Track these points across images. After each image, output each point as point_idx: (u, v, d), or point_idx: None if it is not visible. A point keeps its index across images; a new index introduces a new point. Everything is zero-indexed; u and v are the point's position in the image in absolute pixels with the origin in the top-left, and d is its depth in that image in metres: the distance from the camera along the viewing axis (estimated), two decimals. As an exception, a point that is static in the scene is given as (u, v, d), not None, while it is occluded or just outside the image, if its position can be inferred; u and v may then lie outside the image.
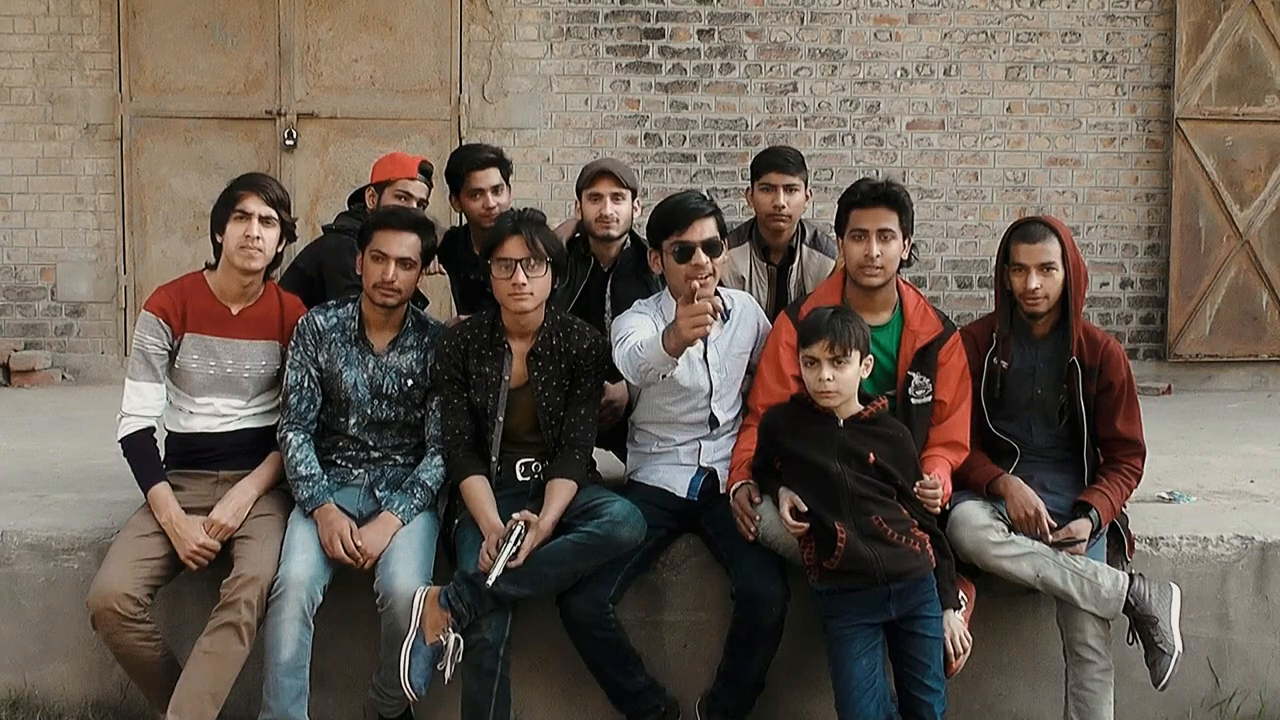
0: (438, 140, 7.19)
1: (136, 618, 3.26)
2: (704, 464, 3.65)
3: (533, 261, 3.43)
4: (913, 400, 3.50)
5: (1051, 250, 3.50)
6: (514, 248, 3.44)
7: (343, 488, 3.55)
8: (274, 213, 3.52)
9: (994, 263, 3.67)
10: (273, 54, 7.25)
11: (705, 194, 3.70)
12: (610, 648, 3.45)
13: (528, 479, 3.59)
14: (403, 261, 3.51)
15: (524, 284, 3.43)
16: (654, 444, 3.72)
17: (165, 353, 3.53)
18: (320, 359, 3.56)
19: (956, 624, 3.34)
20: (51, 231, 7.30)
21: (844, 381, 3.24)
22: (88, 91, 7.25)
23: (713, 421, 3.64)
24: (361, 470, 3.59)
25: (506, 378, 3.53)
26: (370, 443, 3.60)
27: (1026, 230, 3.56)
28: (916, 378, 3.51)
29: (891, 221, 3.50)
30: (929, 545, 3.28)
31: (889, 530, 3.21)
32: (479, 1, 7.32)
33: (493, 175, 4.29)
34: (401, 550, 3.37)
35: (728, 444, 3.67)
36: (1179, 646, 3.35)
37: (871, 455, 3.25)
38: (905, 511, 3.27)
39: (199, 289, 3.59)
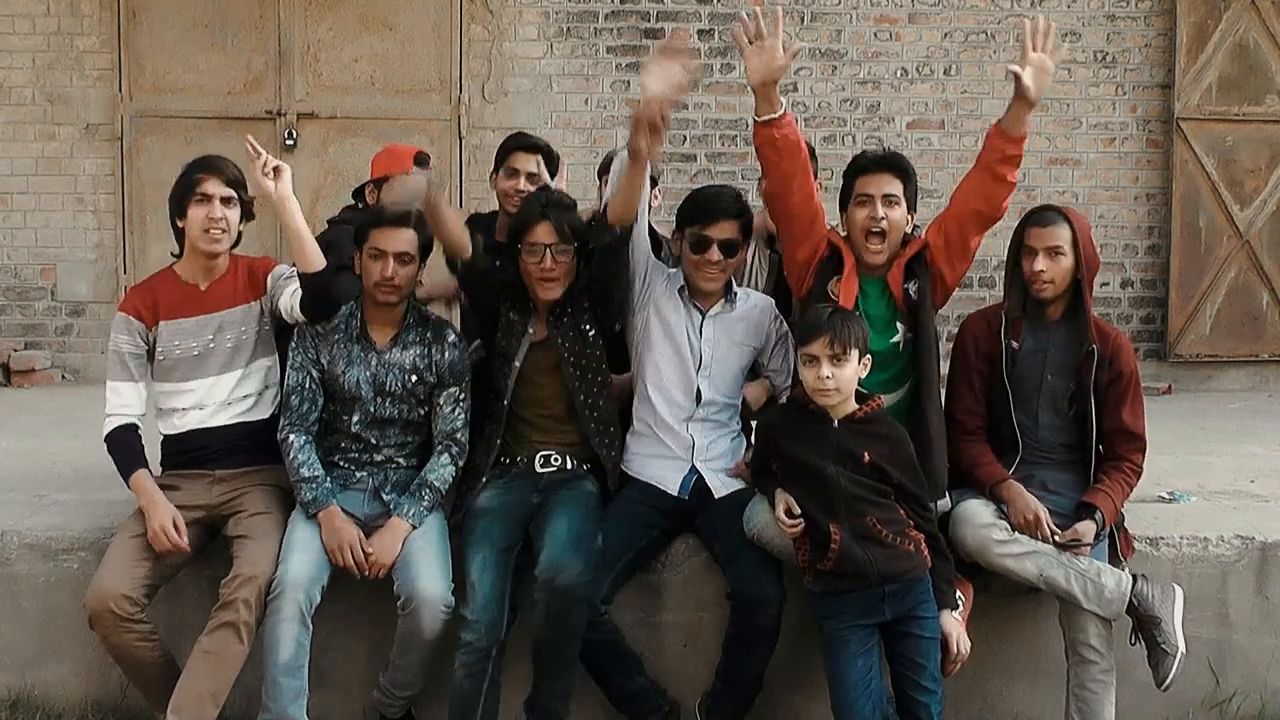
0: (437, 140, 7.19)
1: (134, 618, 3.26)
2: (696, 463, 3.64)
3: (561, 246, 3.50)
4: (911, 296, 3.53)
5: (1061, 235, 3.51)
6: (543, 233, 3.51)
7: (345, 490, 3.53)
8: (234, 193, 3.52)
9: (1008, 250, 3.68)
10: (273, 54, 7.25)
11: (741, 195, 3.72)
12: (607, 649, 3.44)
13: (546, 470, 3.60)
14: (401, 257, 3.50)
15: (552, 268, 3.50)
16: (647, 428, 3.69)
17: (141, 351, 3.55)
18: (322, 360, 3.55)
19: (952, 624, 3.34)
20: (51, 231, 7.30)
21: (843, 380, 3.23)
22: (88, 91, 7.24)
23: (698, 397, 3.63)
24: (364, 473, 3.58)
25: (531, 330, 3.59)
26: (373, 441, 3.58)
27: (1040, 215, 3.59)
28: (912, 286, 3.55)
29: (895, 188, 3.53)
30: (923, 546, 3.28)
31: (883, 531, 3.21)
32: (479, 1, 7.32)
33: (532, 162, 4.27)
34: (421, 552, 3.37)
35: (718, 442, 3.68)
36: (1182, 647, 3.35)
37: (866, 455, 3.24)
38: (901, 512, 3.27)
39: (168, 280, 3.61)
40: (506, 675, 3.35)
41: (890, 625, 3.25)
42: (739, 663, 3.47)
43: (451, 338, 3.62)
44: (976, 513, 3.44)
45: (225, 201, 3.50)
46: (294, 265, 3.51)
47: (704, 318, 3.67)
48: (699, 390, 3.64)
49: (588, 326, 3.62)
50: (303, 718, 3.26)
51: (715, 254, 3.58)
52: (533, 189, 4.25)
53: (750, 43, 3.41)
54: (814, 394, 3.27)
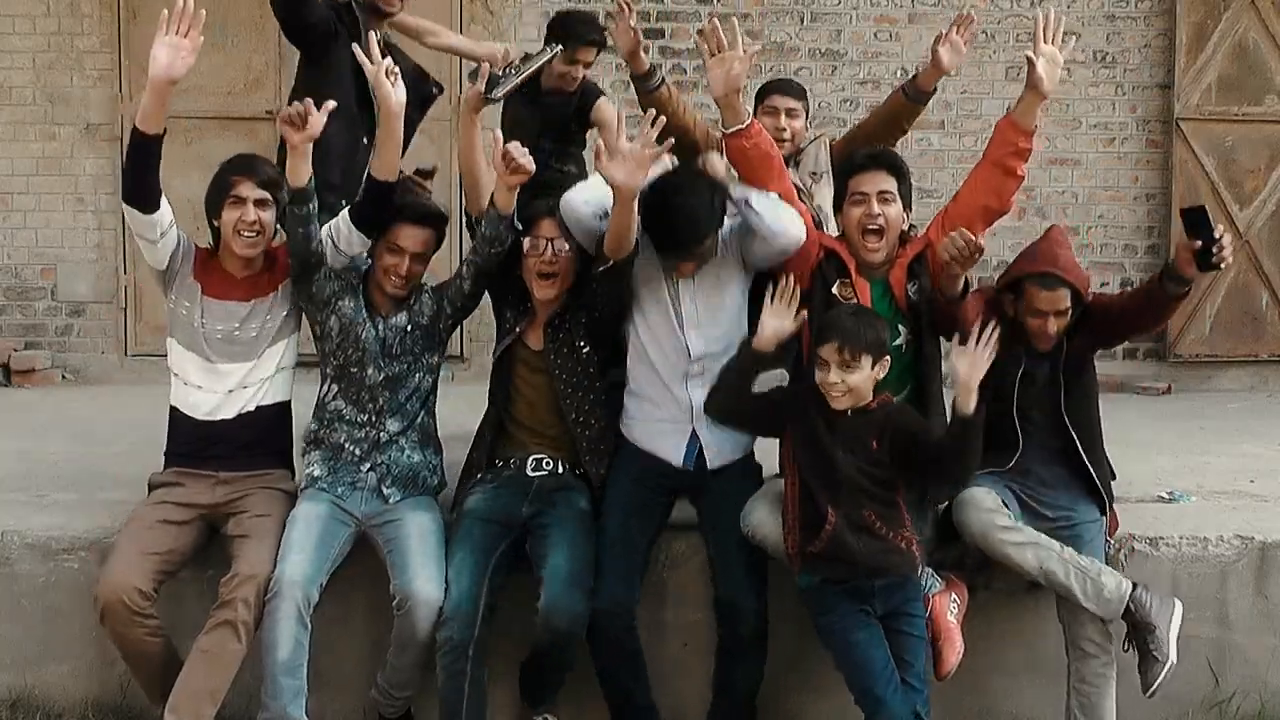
0: (438, 140, 7.17)
1: (145, 611, 3.26)
2: (696, 426, 3.54)
3: (563, 241, 3.54)
4: (911, 297, 3.54)
5: (1064, 299, 3.49)
6: (546, 228, 3.56)
7: (352, 489, 3.55)
8: (268, 194, 3.51)
9: (998, 280, 3.67)
10: (273, 54, 7.24)
11: (711, 192, 3.50)
12: (627, 656, 3.44)
13: (538, 474, 3.61)
14: (417, 256, 3.57)
15: (553, 261, 3.53)
16: (643, 389, 3.61)
17: (180, 248, 3.56)
18: (345, 303, 3.59)
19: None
20: (51, 231, 7.30)
21: (853, 383, 3.23)
22: (88, 91, 7.24)
23: (688, 351, 3.54)
24: (369, 467, 3.58)
25: (519, 330, 3.64)
26: (383, 402, 3.59)
27: (1043, 280, 3.50)
28: (913, 287, 3.55)
29: (890, 184, 3.53)
30: (915, 546, 3.29)
31: (878, 524, 3.22)
32: (479, 1, 7.32)
33: (591, 54, 4.42)
34: (418, 553, 3.38)
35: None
36: (1173, 657, 3.31)
37: (875, 443, 3.25)
38: (901, 510, 3.28)
39: (209, 259, 3.63)
40: (491, 678, 3.38)
41: (881, 622, 3.27)
42: (728, 673, 3.50)
43: (428, 289, 3.70)
44: (982, 498, 3.45)
45: (259, 204, 3.50)
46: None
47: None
48: (688, 346, 3.55)
49: (582, 343, 3.62)
50: (302, 717, 3.27)
51: (689, 268, 3.53)
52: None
53: (712, 55, 3.42)
54: (825, 394, 3.28)
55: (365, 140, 4.13)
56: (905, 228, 3.62)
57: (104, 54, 7.22)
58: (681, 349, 3.55)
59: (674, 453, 3.57)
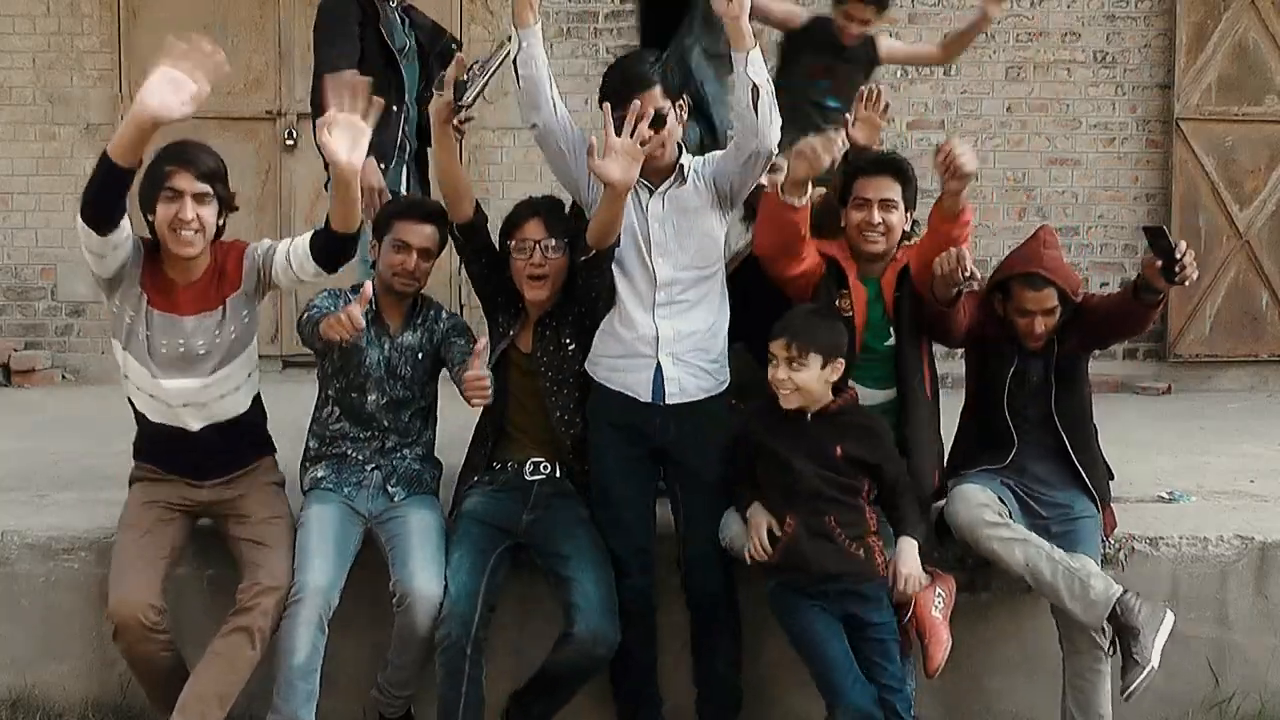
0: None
1: (159, 626, 3.22)
2: (660, 357, 3.44)
3: (551, 242, 3.50)
4: (900, 303, 3.55)
5: (1052, 298, 3.53)
6: (533, 229, 3.53)
7: (358, 488, 3.56)
8: (208, 188, 3.22)
9: (988, 282, 3.69)
10: (273, 54, 7.25)
11: (653, 64, 3.55)
12: (649, 643, 3.54)
13: (535, 479, 3.60)
14: (423, 252, 3.56)
15: (541, 264, 3.50)
16: (610, 325, 3.52)
17: (128, 239, 3.24)
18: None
19: (910, 557, 3.27)
20: (51, 231, 7.29)
21: (801, 382, 3.24)
22: (88, 92, 7.24)
23: (654, 277, 3.45)
24: (373, 466, 3.59)
25: (512, 334, 3.61)
26: (386, 424, 3.60)
27: (1030, 279, 3.55)
28: (898, 294, 3.58)
29: (894, 191, 3.57)
30: (879, 553, 3.29)
31: (838, 531, 3.23)
32: (479, 1, 7.32)
33: (866, 11, 4.22)
34: (417, 549, 3.38)
35: (689, 326, 3.47)
36: (1155, 663, 3.26)
37: (839, 449, 3.26)
38: (868, 515, 3.29)
39: (153, 265, 3.33)
40: (489, 679, 3.38)
41: (848, 628, 3.27)
42: (707, 662, 3.54)
43: (444, 313, 3.70)
44: (972, 493, 3.47)
45: (198, 198, 3.21)
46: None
47: (651, 195, 3.46)
48: (655, 272, 3.45)
49: (568, 340, 3.60)
50: (312, 720, 3.27)
51: (653, 144, 3.38)
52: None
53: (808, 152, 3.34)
54: (775, 391, 3.29)
55: (394, 108, 4.11)
56: (908, 227, 3.63)
57: (104, 54, 7.22)
58: (649, 275, 3.47)
59: (639, 386, 3.47)
